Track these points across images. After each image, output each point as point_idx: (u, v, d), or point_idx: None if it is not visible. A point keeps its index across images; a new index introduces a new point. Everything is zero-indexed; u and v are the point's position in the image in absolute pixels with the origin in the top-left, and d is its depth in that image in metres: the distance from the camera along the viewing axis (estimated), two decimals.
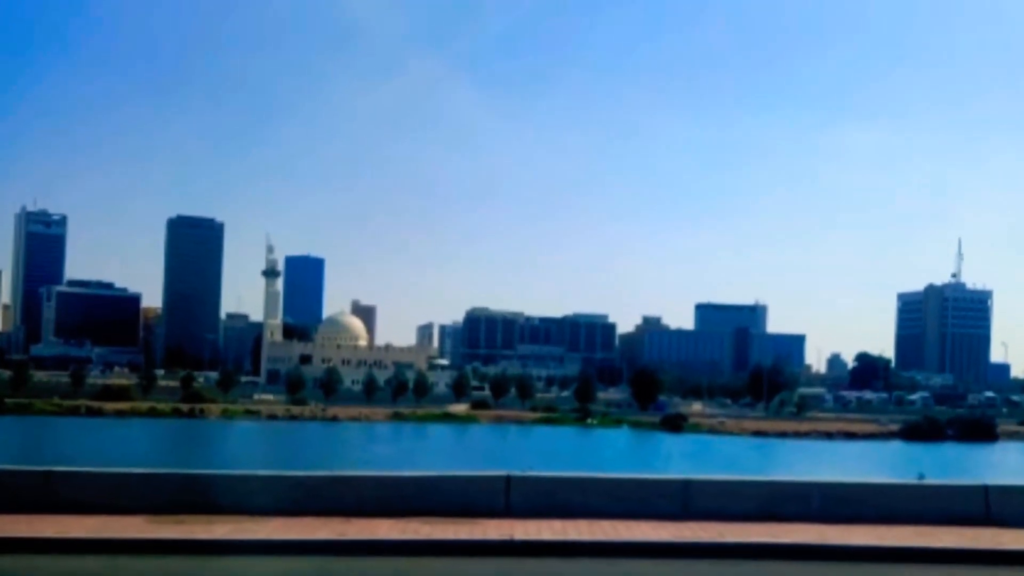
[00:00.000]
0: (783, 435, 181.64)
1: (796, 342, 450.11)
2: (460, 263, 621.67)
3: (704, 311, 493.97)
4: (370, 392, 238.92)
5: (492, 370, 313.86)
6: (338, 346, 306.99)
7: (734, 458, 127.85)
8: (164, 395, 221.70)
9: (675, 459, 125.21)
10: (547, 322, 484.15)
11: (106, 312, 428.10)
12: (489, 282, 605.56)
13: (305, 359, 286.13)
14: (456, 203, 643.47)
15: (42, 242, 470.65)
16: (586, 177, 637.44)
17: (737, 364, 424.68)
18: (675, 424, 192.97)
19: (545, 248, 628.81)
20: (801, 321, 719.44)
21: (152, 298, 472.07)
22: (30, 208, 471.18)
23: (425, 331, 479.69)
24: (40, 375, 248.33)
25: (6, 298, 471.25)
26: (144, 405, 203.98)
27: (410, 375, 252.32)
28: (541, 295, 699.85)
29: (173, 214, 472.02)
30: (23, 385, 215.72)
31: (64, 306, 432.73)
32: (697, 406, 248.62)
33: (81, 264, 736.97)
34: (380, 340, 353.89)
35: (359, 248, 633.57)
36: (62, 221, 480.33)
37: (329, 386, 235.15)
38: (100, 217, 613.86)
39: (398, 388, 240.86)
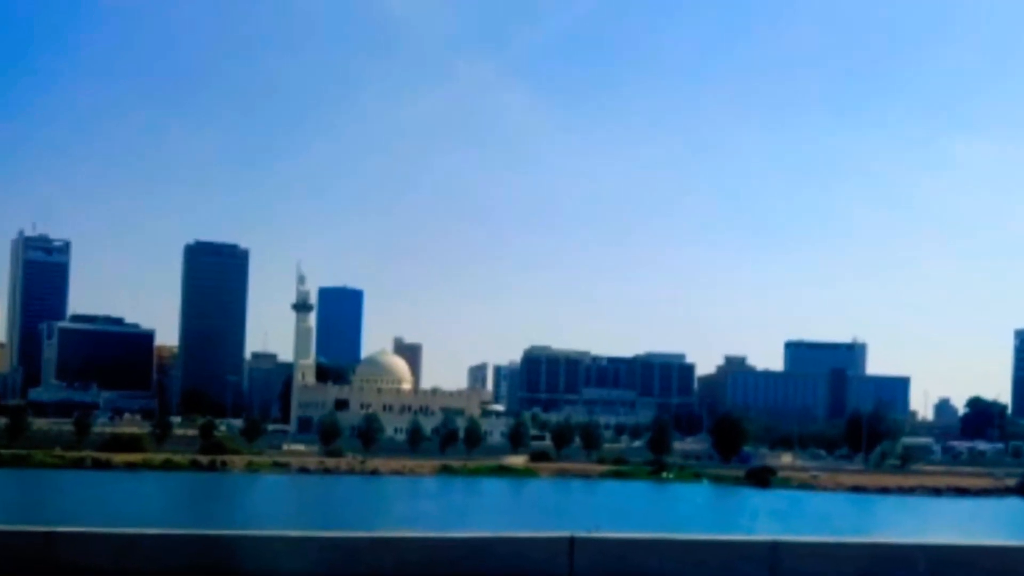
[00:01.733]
0: (885, 491, 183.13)
1: (900, 385, 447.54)
2: (517, 295, 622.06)
3: (795, 350, 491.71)
4: (415, 442, 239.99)
5: (554, 417, 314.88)
6: (379, 390, 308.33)
7: (829, 517, 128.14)
8: (181, 445, 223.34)
9: (762, 518, 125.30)
10: (616, 362, 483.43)
11: (115, 351, 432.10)
12: (550, 317, 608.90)
13: (341, 404, 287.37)
14: (511, 227, 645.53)
15: (42, 271, 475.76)
16: (658, 198, 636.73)
17: (833, 410, 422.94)
18: (762, 478, 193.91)
19: (613, 279, 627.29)
20: (905, 362, 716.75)
21: (167, 335, 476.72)
22: (28, 233, 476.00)
23: (478, 373, 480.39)
24: (40, 423, 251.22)
25: (1, 336, 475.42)
26: (158, 457, 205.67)
27: (461, 423, 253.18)
28: (609, 332, 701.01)
29: (191, 239, 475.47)
30: (21, 434, 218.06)
31: (67, 344, 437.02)
32: (787, 458, 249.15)
33: (87, 296, 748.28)
34: (426, 383, 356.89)
35: (402, 278, 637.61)
36: (65, 247, 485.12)
37: (368, 435, 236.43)
38: (108, 243, 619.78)
39: (447, 437, 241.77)
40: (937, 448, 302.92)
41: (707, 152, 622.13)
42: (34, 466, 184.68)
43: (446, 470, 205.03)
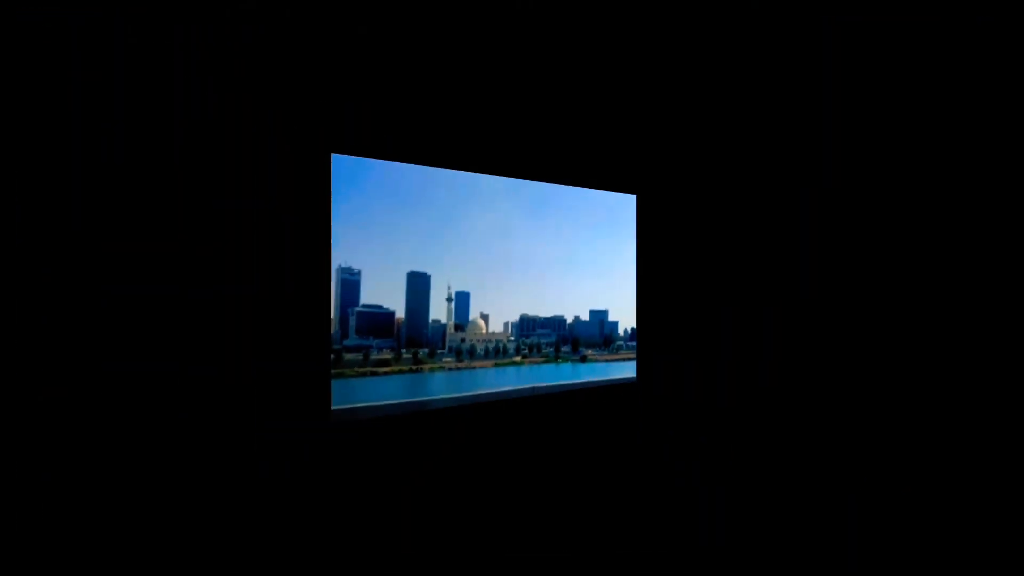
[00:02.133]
0: (611, 361, 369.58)
1: (615, 323, 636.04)
2: (522, 296, 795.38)
3: (593, 313, 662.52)
4: (487, 356, 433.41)
5: (530, 342, 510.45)
6: (475, 333, 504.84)
7: (602, 372, 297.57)
8: (405, 363, 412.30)
9: (583, 373, 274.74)
10: (546, 319, 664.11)
11: (379, 321, 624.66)
12: (527, 302, 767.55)
13: (463, 340, 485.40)
14: (522, 269, 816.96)
15: (348, 285, 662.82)
16: (568, 256, 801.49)
17: (600, 334, 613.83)
18: (584, 359, 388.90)
19: (549, 285, 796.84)
20: (617, 313, 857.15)
21: (401, 312, 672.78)
22: (342, 265, 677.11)
23: (507, 325, 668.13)
24: (348, 356, 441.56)
25: (332, 315, 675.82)
26: (396, 368, 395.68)
27: (501, 346, 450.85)
28: (544, 307, 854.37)
29: (409, 270, 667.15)
30: (339, 362, 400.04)
31: (360, 319, 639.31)
32: (590, 352, 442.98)
33: (368, 296, 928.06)
34: (491, 329, 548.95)
35: (484, 287, 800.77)
36: (358, 273, 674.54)
37: (472, 353, 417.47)
38: (378, 272, 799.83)
39: (496, 352, 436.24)
40: (625, 344, 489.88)
41: (594, 236, 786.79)
42: (344, 378, 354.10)
43: (497, 365, 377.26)
